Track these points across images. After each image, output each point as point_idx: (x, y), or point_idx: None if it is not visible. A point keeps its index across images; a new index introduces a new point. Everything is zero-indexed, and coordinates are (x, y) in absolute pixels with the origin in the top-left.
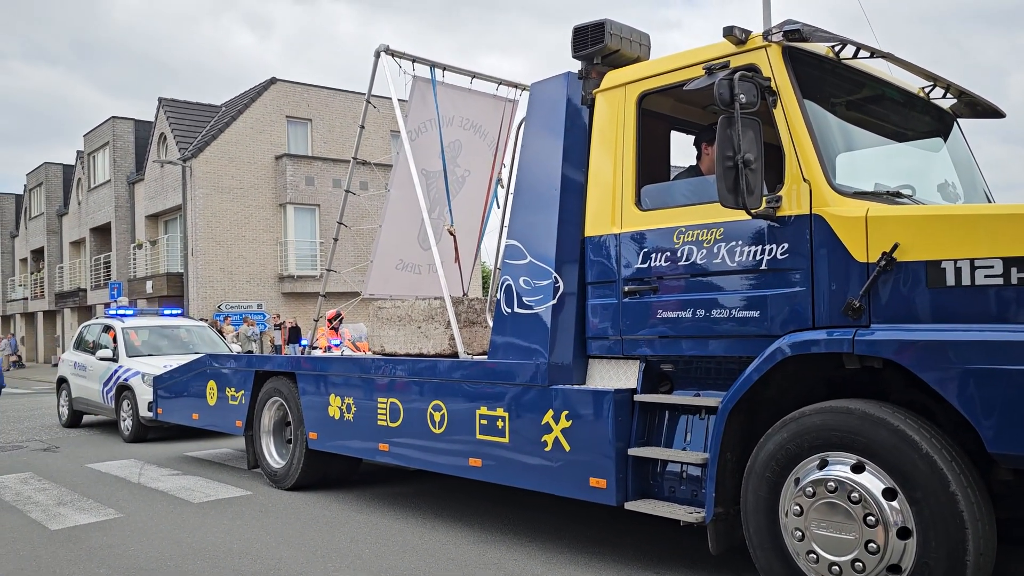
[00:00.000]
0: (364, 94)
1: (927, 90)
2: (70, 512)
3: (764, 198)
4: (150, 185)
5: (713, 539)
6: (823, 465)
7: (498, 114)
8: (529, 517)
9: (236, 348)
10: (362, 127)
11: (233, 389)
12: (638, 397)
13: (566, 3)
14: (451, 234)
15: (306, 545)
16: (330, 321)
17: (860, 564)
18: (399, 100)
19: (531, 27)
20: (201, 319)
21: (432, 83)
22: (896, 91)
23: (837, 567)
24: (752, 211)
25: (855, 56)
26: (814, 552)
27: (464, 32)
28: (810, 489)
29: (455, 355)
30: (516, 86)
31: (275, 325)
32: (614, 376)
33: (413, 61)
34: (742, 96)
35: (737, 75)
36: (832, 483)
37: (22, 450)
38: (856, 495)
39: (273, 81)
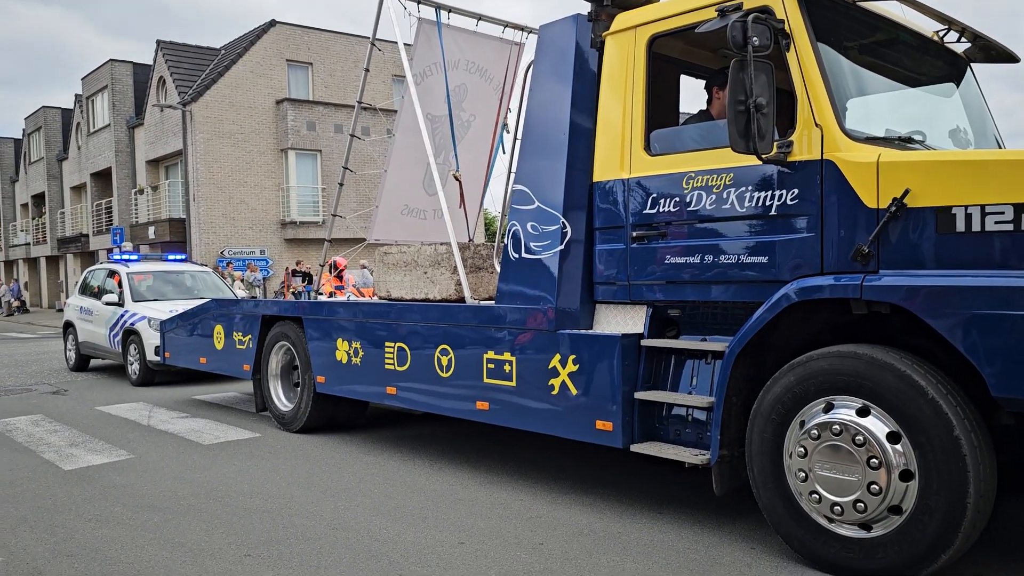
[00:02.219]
0: (366, 37)
1: (941, 34)
2: (82, 453)
3: (775, 143)
4: (150, 130)
5: (717, 480)
6: (829, 408)
7: (504, 58)
8: (535, 459)
9: (241, 294)
10: (367, 70)
11: (240, 333)
12: (645, 342)
13: None
14: (456, 179)
15: (316, 485)
16: (332, 269)
17: (862, 504)
18: (404, 44)
19: None
20: (202, 264)
21: (438, 25)
22: (910, 35)
23: (839, 507)
24: (763, 156)
25: None
26: (817, 492)
27: None
28: (815, 431)
29: (461, 300)
30: (523, 29)
31: (293, 271)
32: (621, 321)
33: (419, 2)
34: (755, 39)
35: (751, 17)
36: (837, 426)
37: (31, 393)
38: (861, 438)
39: (272, 24)
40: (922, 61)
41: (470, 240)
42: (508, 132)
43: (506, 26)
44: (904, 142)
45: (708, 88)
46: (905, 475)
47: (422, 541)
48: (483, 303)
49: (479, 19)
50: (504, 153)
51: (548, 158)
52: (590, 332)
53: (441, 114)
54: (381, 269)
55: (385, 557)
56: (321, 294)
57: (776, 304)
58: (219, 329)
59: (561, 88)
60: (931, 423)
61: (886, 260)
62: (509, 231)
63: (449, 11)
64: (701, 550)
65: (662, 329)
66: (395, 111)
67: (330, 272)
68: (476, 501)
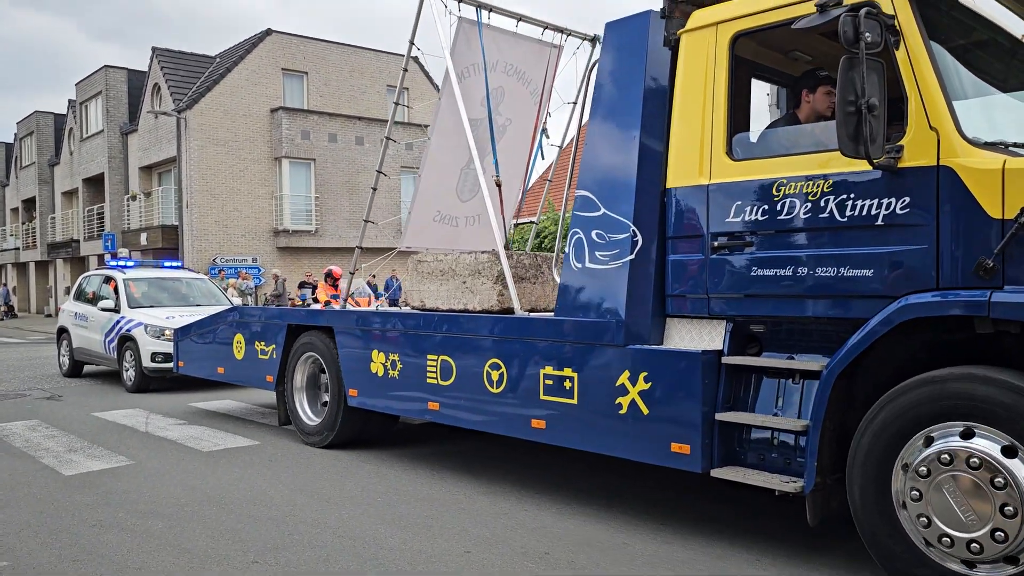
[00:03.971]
0: (361, 47)
1: None
2: (82, 459)
3: (884, 148)
4: (144, 136)
5: (811, 510)
6: (969, 435)
7: (543, 60)
8: (537, 470)
9: (236, 301)
10: (405, 69)
11: (263, 343)
12: (726, 359)
13: None
14: (498, 185)
15: (318, 493)
16: (327, 278)
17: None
18: (436, 46)
19: None
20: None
21: (478, 25)
22: (1005, 37)
23: (977, 544)
24: (874, 161)
25: None
26: (948, 536)
27: None
28: (946, 456)
29: (504, 311)
30: (562, 31)
31: (301, 284)
32: (695, 336)
33: (460, 1)
34: (868, 35)
35: (863, 11)
36: (976, 459)
37: (26, 398)
38: (1001, 480)
39: (268, 32)
40: (1013, 64)
41: (507, 248)
42: (548, 137)
43: (545, 28)
44: (1022, 147)
45: (796, 91)
46: None
47: (428, 550)
48: (542, 315)
49: (519, 20)
50: (542, 159)
51: (616, 162)
52: (666, 348)
53: (478, 117)
54: (415, 278)
55: (393, 565)
56: (317, 302)
57: (889, 320)
58: (239, 338)
59: (631, 88)
60: None
61: (1012, 275)
62: (571, 239)
63: (490, 11)
64: (707, 561)
65: (741, 346)
66: (385, 120)
67: (326, 281)
68: (480, 511)
